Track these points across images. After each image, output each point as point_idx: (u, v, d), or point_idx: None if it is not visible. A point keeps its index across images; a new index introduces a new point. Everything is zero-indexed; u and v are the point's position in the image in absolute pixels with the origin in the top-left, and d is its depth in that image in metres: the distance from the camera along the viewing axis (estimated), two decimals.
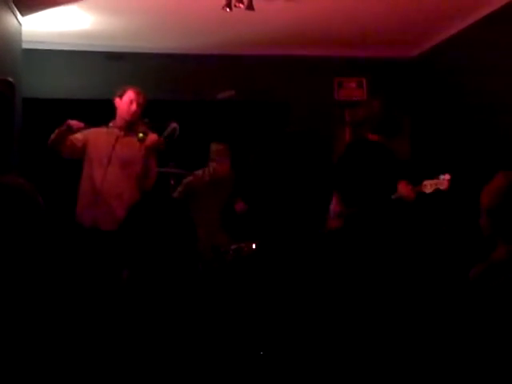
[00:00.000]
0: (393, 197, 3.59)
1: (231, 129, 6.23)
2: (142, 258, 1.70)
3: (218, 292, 1.69)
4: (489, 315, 1.61)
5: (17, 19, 5.30)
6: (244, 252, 4.28)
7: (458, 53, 5.96)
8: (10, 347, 1.51)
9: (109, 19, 5.52)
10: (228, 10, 4.67)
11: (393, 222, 3.17)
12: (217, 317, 1.60)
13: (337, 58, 6.65)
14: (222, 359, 1.53)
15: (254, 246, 4.29)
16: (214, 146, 5.16)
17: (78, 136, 3.99)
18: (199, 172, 5.14)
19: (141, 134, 3.96)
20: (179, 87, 6.38)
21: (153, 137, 4.02)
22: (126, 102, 4.04)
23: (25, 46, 5.66)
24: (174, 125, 4.11)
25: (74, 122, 3.86)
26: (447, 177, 3.45)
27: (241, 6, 4.63)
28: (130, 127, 4.04)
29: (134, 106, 4.04)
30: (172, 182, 4.60)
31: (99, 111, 4.16)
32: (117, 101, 4.08)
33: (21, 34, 5.52)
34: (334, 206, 4.00)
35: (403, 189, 3.54)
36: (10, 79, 4.97)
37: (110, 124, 4.10)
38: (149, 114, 4.13)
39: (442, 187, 3.45)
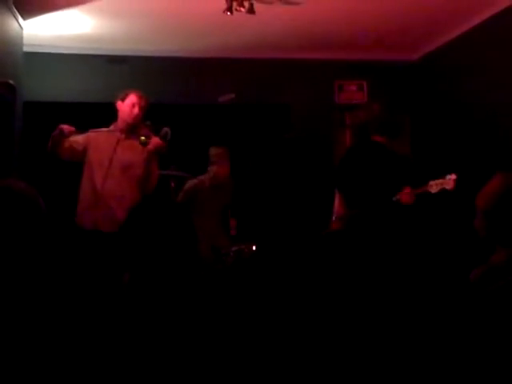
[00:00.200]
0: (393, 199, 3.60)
1: (232, 132, 6.24)
2: (142, 261, 1.70)
3: (220, 294, 1.69)
4: (489, 318, 1.62)
5: (18, 23, 5.32)
6: (245, 254, 4.28)
7: (458, 56, 5.97)
8: (11, 350, 1.51)
9: (110, 23, 5.53)
10: (229, 13, 4.69)
11: (393, 224, 3.17)
12: (218, 319, 1.61)
13: (337, 61, 6.66)
14: (223, 361, 1.53)
15: (254, 248, 4.30)
16: (213, 150, 5.16)
17: (79, 139, 3.99)
18: (200, 177, 5.14)
19: (143, 138, 3.95)
20: (181, 90, 6.39)
21: (156, 141, 4.00)
22: (128, 106, 4.03)
23: (26, 49, 5.68)
24: (165, 129, 4.09)
25: (65, 127, 3.86)
26: (453, 177, 3.44)
27: (242, 9, 4.65)
28: (131, 130, 4.03)
29: (136, 110, 4.02)
30: (173, 185, 4.60)
31: (100, 115, 4.16)
32: (119, 104, 4.06)
33: (22, 37, 5.53)
34: (337, 208, 4.01)
35: (402, 193, 3.54)
36: (11, 82, 4.98)
37: (112, 127, 4.10)
38: (150, 117, 4.13)
39: (447, 187, 3.44)
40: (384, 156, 3.76)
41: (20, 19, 5.31)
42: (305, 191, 6.22)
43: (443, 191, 3.45)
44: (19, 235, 1.67)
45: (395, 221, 3.49)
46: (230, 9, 4.67)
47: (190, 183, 5.07)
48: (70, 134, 3.90)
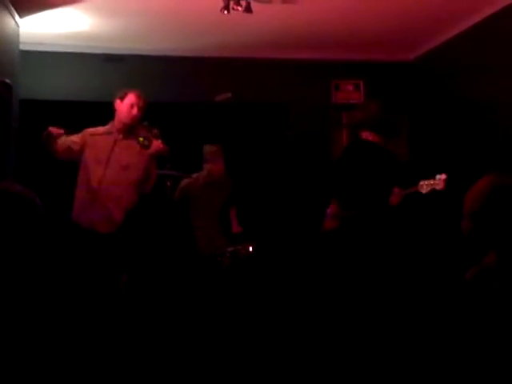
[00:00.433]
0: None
1: (229, 131, 6.24)
2: (141, 261, 1.70)
3: (218, 295, 1.69)
4: (482, 320, 1.62)
5: (15, 21, 5.31)
6: (241, 254, 4.27)
7: (455, 56, 5.98)
8: (8, 350, 1.50)
9: (107, 21, 5.52)
10: (226, 12, 4.69)
11: (386, 225, 3.17)
12: (216, 320, 1.60)
13: (334, 60, 6.67)
14: (221, 362, 1.53)
15: (250, 249, 4.29)
16: (207, 148, 5.16)
17: (75, 138, 3.97)
18: (194, 175, 5.14)
19: (141, 139, 3.93)
20: (178, 89, 6.39)
21: (157, 144, 3.97)
22: (127, 106, 3.98)
23: (22, 47, 5.66)
24: (154, 130, 4.06)
25: (53, 129, 3.84)
26: (443, 177, 3.44)
27: (239, 8, 4.65)
28: (129, 130, 4.00)
29: (135, 111, 3.98)
30: (168, 184, 4.59)
31: (97, 113, 4.15)
32: (117, 103, 4.02)
33: (18, 35, 5.52)
34: (330, 207, 4.00)
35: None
36: (8, 81, 4.97)
37: (109, 126, 4.07)
38: (147, 115, 4.12)
39: (438, 187, 3.44)
40: (378, 157, 3.75)
41: (17, 17, 5.29)
42: (302, 190, 6.22)
43: (434, 191, 3.45)
44: (16, 238, 1.66)
45: (387, 222, 3.49)
46: (226, 7, 4.67)
47: (184, 182, 5.07)
48: (59, 135, 3.87)
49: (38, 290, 1.64)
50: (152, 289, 1.66)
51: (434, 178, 3.46)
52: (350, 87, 6.84)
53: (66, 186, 4.13)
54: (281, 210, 6.11)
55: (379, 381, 1.74)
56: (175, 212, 1.79)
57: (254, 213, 5.67)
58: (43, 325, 1.55)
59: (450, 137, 6.05)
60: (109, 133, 4.01)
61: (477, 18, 5.44)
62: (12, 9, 5.10)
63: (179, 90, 6.38)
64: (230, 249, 4.33)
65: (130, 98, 3.99)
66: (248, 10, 4.70)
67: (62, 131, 3.87)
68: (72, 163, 4.03)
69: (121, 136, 3.99)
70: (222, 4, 4.67)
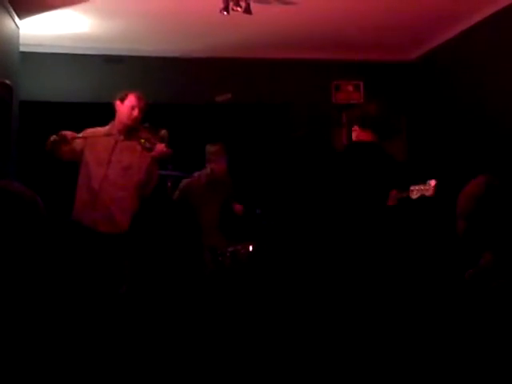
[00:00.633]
0: None
1: (230, 132, 6.24)
2: (147, 261, 1.70)
3: (221, 297, 1.69)
4: (482, 319, 1.62)
5: (14, 22, 5.31)
6: (241, 254, 4.27)
7: (455, 56, 5.98)
8: (7, 350, 1.51)
9: (107, 22, 5.53)
10: (226, 13, 4.68)
11: (386, 227, 3.15)
12: (217, 322, 1.60)
13: (334, 61, 6.67)
14: (221, 361, 1.53)
15: (250, 248, 4.29)
16: (209, 147, 5.17)
17: (77, 139, 3.97)
18: (195, 174, 5.14)
19: (143, 140, 3.92)
20: (178, 90, 6.39)
21: (161, 147, 3.97)
22: (128, 107, 3.97)
23: (22, 48, 5.66)
24: (163, 131, 4.05)
25: (68, 133, 3.85)
26: (433, 183, 3.42)
27: (238, 9, 4.64)
28: (130, 132, 3.99)
29: (135, 112, 3.97)
30: (169, 185, 4.60)
31: (97, 114, 4.15)
32: (117, 104, 4.01)
33: (18, 36, 5.52)
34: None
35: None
36: (8, 82, 4.97)
37: (109, 126, 4.06)
38: (147, 116, 4.12)
39: (427, 193, 3.41)
40: (377, 158, 3.73)
41: (16, 19, 5.30)
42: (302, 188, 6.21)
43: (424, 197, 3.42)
44: (16, 237, 1.66)
45: (383, 224, 3.48)
46: (226, 8, 4.67)
47: (185, 181, 5.07)
48: (73, 139, 3.89)
49: (38, 288, 1.64)
50: (154, 289, 1.66)
51: (424, 184, 3.44)
52: (351, 88, 6.85)
53: (66, 187, 4.13)
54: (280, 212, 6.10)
55: (379, 379, 1.74)
56: (183, 216, 1.79)
57: (255, 212, 5.66)
58: (42, 324, 1.55)
59: (450, 137, 6.04)
60: (109, 134, 4.00)
61: (478, 17, 5.44)
62: (12, 10, 5.10)
63: (179, 91, 6.38)
64: (230, 248, 4.34)
65: (131, 99, 3.99)
66: (248, 10, 4.70)
67: (75, 135, 3.88)
68: (72, 164, 4.03)
69: (122, 137, 3.99)
70: (221, 5, 4.67)
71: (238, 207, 5.23)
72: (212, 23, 5.32)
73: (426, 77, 6.61)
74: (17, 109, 5.48)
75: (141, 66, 6.31)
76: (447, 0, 5.07)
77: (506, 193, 1.83)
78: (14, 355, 1.50)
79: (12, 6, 5.04)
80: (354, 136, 3.86)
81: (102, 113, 4.09)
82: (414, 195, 3.43)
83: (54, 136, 3.84)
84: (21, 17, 5.31)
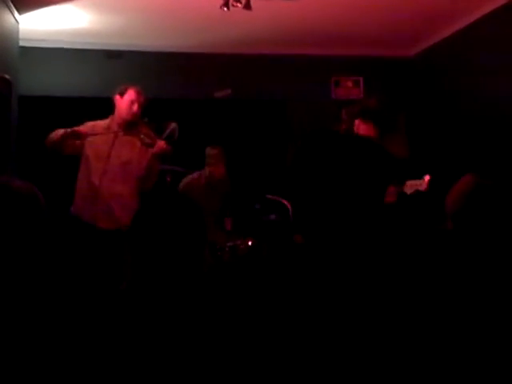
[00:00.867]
0: None
1: (229, 127, 6.24)
2: (149, 259, 1.70)
3: (220, 292, 1.69)
4: (480, 319, 1.63)
5: (14, 17, 5.31)
6: (240, 250, 4.28)
7: (455, 53, 5.98)
8: (8, 344, 1.51)
9: (106, 17, 5.52)
10: (225, 9, 4.68)
11: (383, 225, 3.15)
12: (216, 318, 1.60)
13: (334, 56, 6.67)
14: (222, 360, 1.53)
15: (249, 244, 4.30)
16: (209, 151, 5.18)
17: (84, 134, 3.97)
18: (195, 174, 5.16)
19: (142, 136, 3.92)
20: (177, 85, 6.39)
21: (161, 144, 3.96)
22: (127, 102, 3.96)
23: (22, 43, 5.66)
24: (173, 125, 4.03)
25: (82, 130, 3.86)
26: (426, 178, 3.44)
27: (238, 5, 4.64)
28: (129, 126, 3.99)
29: (135, 108, 3.95)
30: (168, 179, 4.59)
31: (96, 109, 4.15)
32: (117, 98, 4.00)
33: (18, 31, 5.52)
34: None
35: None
36: (7, 77, 4.97)
37: (109, 120, 4.05)
38: (146, 112, 4.11)
39: (420, 188, 3.43)
40: (371, 152, 3.71)
41: (16, 14, 5.29)
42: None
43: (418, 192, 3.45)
44: (16, 234, 1.66)
45: (384, 221, 3.48)
46: (226, 4, 4.67)
47: (185, 180, 5.09)
48: (85, 136, 3.89)
49: (37, 286, 1.64)
50: (154, 286, 1.66)
51: (419, 179, 3.46)
52: (350, 83, 6.85)
53: (65, 182, 4.13)
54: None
55: (379, 377, 1.75)
56: (190, 212, 1.78)
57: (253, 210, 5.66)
58: (42, 323, 1.56)
59: (449, 133, 6.05)
60: (109, 127, 4.00)
61: (477, 14, 5.44)
62: (11, 5, 5.10)
63: (178, 86, 6.38)
64: (229, 243, 4.35)
65: (130, 94, 3.98)
66: (247, 6, 4.70)
67: (86, 131, 3.89)
68: (72, 159, 4.03)
69: (121, 131, 3.98)
70: (221, 1, 4.67)
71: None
72: (211, 19, 5.32)
73: (425, 73, 6.61)
74: (16, 103, 5.48)
75: (140, 61, 6.31)
76: None
77: (498, 192, 1.81)
78: (14, 350, 1.51)
79: (12, 1, 5.03)
80: (355, 130, 3.86)
81: (102, 107, 4.08)
82: (409, 190, 3.45)
83: (66, 130, 3.83)
84: (20, 12, 5.31)
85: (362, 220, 3.26)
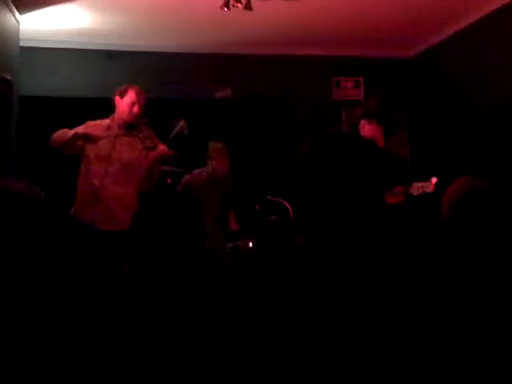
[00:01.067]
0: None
1: (230, 127, 6.24)
2: (148, 255, 1.70)
3: (220, 293, 1.69)
4: (480, 319, 1.63)
5: (15, 17, 5.31)
6: (241, 251, 4.27)
7: (455, 53, 5.98)
8: (8, 348, 1.51)
9: (107, 18, 5.52)
10: (226, 9, 4.68)
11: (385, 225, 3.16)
12: (216, 318, 1.61)
13: (334, 57, 6.67)
14: (222, 359, 1.54)
15: (250, 245, 4.29)
16: (212, 145, 5.13)
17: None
18: (197, 171, 5.13)
19: (142, 136, 3.91)
20: (178, 86, 6.38)
21: (163, 148, 3.94)
22: (128, 103, 3.92)
23: (22, 44, 5.67)
24: (181, 123, 3.99)
25: (92, 132, 3.85)
26: (434, 180, 3.44)
27: (239, 5, 4.64)
28: (130, 127, 3.98)
29: (135, 109, 3.91)
30: (169, 181, 4.59)
31: (97, 110, 4.14)
32: (117, 99, 3.97)
33: (19, 32, 5.52)
34: None
35: (388, 195, 3.54)
36: (8, 77, 4.97)
37: (109, 120, 4.03)
38: (147, 112, 4.11)
39: (428, 190, 3.44)
40: (376, 156, 3.72)
41: (17, 14, 5.30)
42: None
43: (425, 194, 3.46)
44: (18, 238, 1.65)
45: (386, 222, 3.47)
46: (226, 4, 4.67)
47: (187, 177, 5.06)
48: (99, 139, 3.88)
49: (39, 288, 1.64)
50: (155, 284, 1.66)
51: (426, 181, 3.47)
52: (350, 84, 6.84)
53: (65, 182, 4.13)
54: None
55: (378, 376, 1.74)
56: (188, 208, 1.78)
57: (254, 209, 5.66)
58: (44, 323, 1.56)
59: (450, 133, 6.05)
60: (109, 128, 3.97)
61: (477, 15, 5.44)
62: (12, 6, 5.10)
63: (179, 87, 6.38)
64: (229, 245, 4.34)
65: (131, 95, 3.94)
66: (248, 6, 4.69)
67: (94, 133, 3.87)
68: (72, 160, 4.02)
69: (122, 132, 3.96)
70: (222, 1, 4.67)
71: (233, 226, 5.22)
72: (212, 19, 5.32)
73: (426, 73, 6.61)
74: (16, 104, 5.48)
75: (141, 62, 6.31)
76: None
77: (492, 194, 1.77)
78: (15, 350, 1.51)
79: (12, 1, 5.04)
80: (361, 131, 3.86)
81: (103, 108, 4.07)
82: (416, 192, 3.46)
83: (76, 131, 3.82)
84: (21, 12, 5.31)
85: (369, 221, 3.26)
